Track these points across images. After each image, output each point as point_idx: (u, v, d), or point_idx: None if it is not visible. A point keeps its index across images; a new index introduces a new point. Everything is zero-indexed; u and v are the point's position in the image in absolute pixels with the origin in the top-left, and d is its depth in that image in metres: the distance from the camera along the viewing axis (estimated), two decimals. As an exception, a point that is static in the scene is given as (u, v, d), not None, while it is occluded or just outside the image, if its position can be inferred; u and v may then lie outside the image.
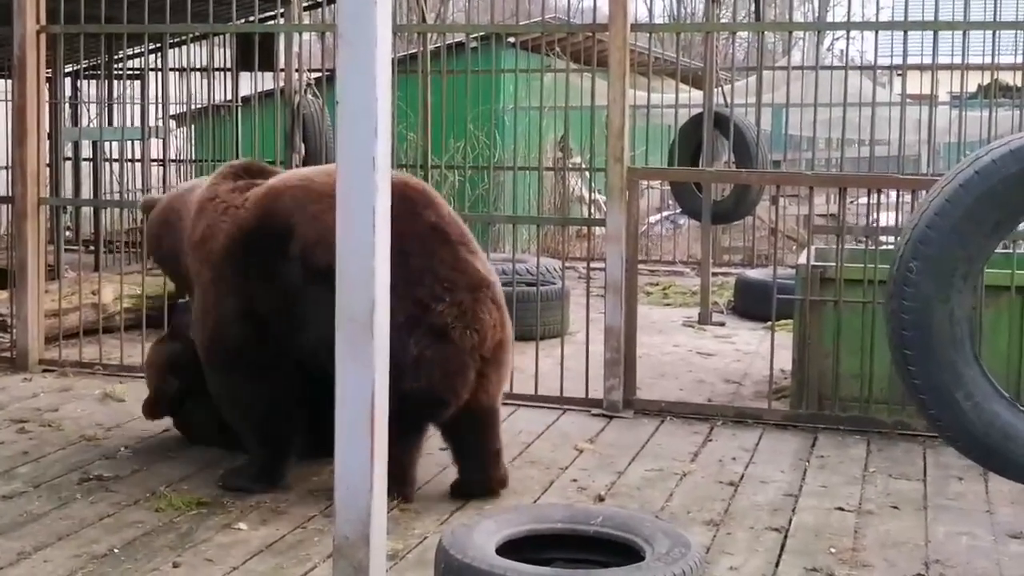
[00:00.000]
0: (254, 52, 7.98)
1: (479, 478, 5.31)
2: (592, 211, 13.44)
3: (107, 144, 12.93)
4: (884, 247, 7.18)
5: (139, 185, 12.38)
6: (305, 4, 11.91)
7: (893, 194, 9.67)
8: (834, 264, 6.71)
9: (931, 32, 7.12)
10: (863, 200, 11.10)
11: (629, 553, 3.89)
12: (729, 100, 10.65)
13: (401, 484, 5.05)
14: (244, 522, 4.99)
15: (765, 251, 13.76)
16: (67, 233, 12.62)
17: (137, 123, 11.69)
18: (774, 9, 23.22)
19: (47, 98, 9.14)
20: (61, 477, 5.57)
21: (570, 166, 14.23)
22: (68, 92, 13.21)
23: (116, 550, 4.65)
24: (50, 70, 8.90)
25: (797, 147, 16.43)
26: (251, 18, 10.22)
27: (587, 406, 6.94)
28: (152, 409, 6.09)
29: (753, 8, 11.15)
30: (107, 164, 13.36)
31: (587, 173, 14.25)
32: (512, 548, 3.90)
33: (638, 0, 27.00)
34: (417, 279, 5.00)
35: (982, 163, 4.21)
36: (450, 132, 11.85)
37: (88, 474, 5.59)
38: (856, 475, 5.81)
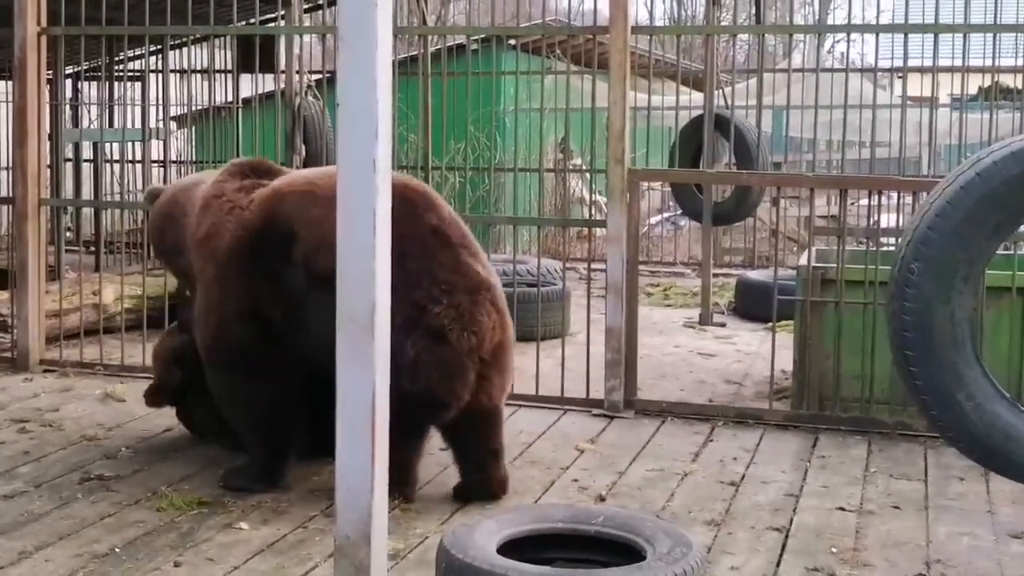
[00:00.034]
0: (255, 54, 7.99)
1: (480, 480, 5.30)
2: (593, 212, 13.45)
3: (108, 145, 12.93)
4: (885, 248, 7.19)
5: (140, 186, 12.38)
6: (306, 6, 11.92)
7: (894, 196, 9.67)
8: (835, 265, 6.71)
9: (931, 35, 7.13)
10: (864, 202, 11.11)
11: (630, 553, 3.89)
12: (730, 102, 10.65)
13: (402, 484, 5.05)
14: (245, 522, 4.99)
15: (766, 252, 13.76)
16: (68, 234, 12.62)
17: (138, 125, 11.70)
18: (775, 12, 23.23)
19: (48, 99, 9.14)
20: (62, 477, 5.57)
21: (571, 168, 14.23)
22: (69, 94, 13.22)
23: (117, 550, 4.65)
24: (51, 72, 8.91)
25: (798, 149, 16.44)
26: (252, 20, 10.24)
27: (588, 406, 6.94)
28: (153, 398, 6.09)
29: (754, 11, 11.16)
30: (108, 165, 13.36)
31: (588, 174, 14.26)
32: (513, 548, 3.90)
33: (639, 3, 27.03)
34: (415, 281, 4.99)
35: (983, 165, 4.22)
36: (451, 134, 11.87)
37: (89, 474, 5.59)
38: (857, 475, 5.81)
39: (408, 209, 5.00)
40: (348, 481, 3.31)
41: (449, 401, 5.06)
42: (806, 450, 6.25)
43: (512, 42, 13.73)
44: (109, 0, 7.74)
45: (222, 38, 10.66)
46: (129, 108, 11.77)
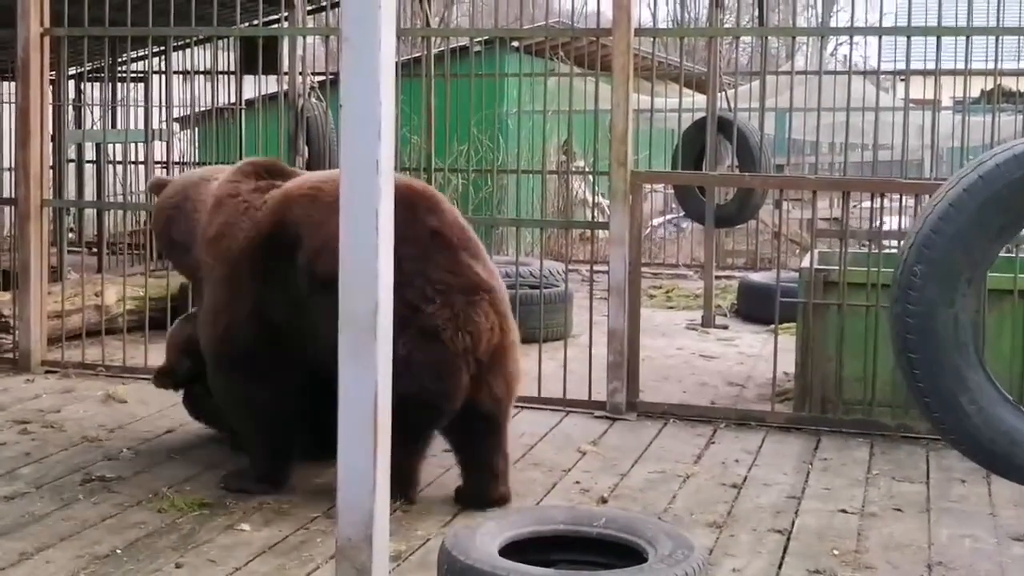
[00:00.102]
0: (258, 55, 8.00)
1: (478, 493, 5.23)
2: (595, 214, 13.45)
3: (110, 146, 12.95)
4: (887, 251, 7.18)
5: (142, 188, 12.39)
6: (309, 8, 11.91)
7: (896, 198, 9.66)
8: (837, 268, 6.71)
9: (934, 37, 7.12)
10: (866, 204, 11.10)
11: (632, 555, 3.89)
12: (732, 104, 10.65)
13: (404, 486, 5.04)
14: (247, 523, 4.99)
15: (768, 254, 13.76)
16: (70, 235, 12.63)
17: (141, 126, 11.71)
18: (777, 14, 23.21)
19: (51, 100, 9.14)
20: (63, 478, 5.57)
21: (573, 170, 14.23)
22: (72, 95, 13.24)
23: (118, 551, 4.65)
24: (54, 72, 8.91)
25: (800, 151, 16.43)
26: (255, 21, 10.25)
27: (590, 408, 6.94)
28: (162, 379, 6.08)
29: (757, 13, 11.16)
30: (110, 166, 13.37)
31: (590, 177, 14.26)
32: (515, 550, 3.91)
33: (642, 5, 26.99)
34: (408, 281, 4.93)
35: (986, 168, 4.21)
36: (454, 136, 11.87)
37: (90, 475, 5.59)
38: (859, 478, 5.81)
39: (408, 210, 4.97)
40: (350, 482, 3.31)
41: (441, 402, 5.03)
42: (808, 452, 6.24)
43: (515, 44, 13.73)
44: (112, 1, 7.74)
45: (225, 39, 10.66)
46: (132, 109, 11.79)
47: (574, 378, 7.07)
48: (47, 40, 7.89)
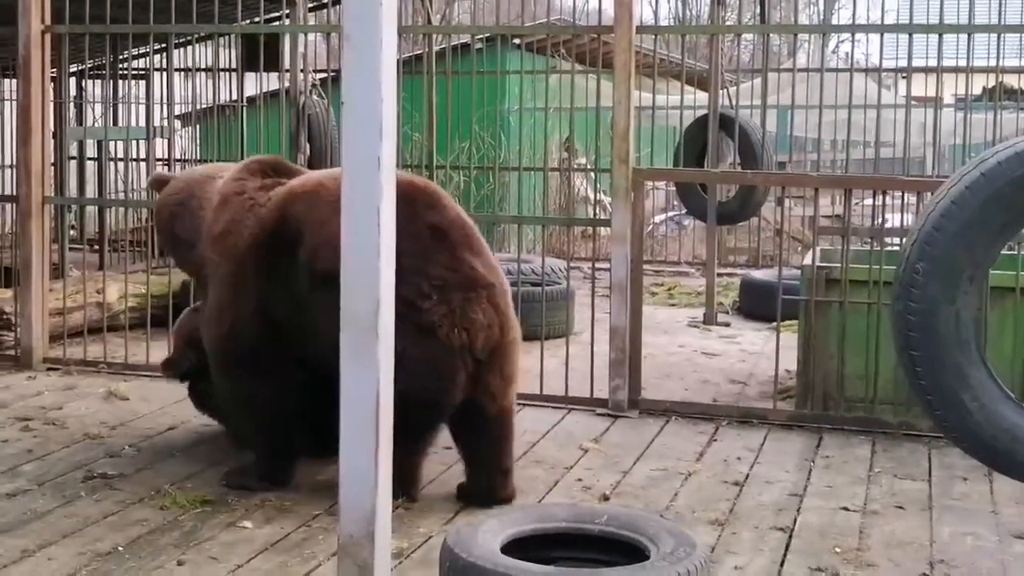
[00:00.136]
0: (259, 53, 7.99)
1: (481, 490, 5.23)
2: (597, 212, 13.45)
3: (112, 144, 12.95)
4: (889, 248, 7.18)
5: (143, 185, 12.39)
6: (310, 5, 11.90)
7: (898, 195, 9.66)
8: (839, 265, 6.71)
9: (936, 35, 7.12)
10: (868, 201, 11.10)
11: (634, 552, 3.89)
12: (734, 102, 10.65)
13: (405, 483, 5.03)
14: (249, 520, 4.99)
15: (770, 252, 13.76)
16: (72, 232, 12.62)
17: (142, 123, 11.70)
18: (779, 11, 23.22)
19: (52, 98, 9.15)
20: (65, 475, 5.57)
21: (575, 167, 14.23)
22: (73, 92, 13.23)
23: (120, 548, 4.65)
24: (55, 70, 8.91)
25: (802, 149, 16.43)
26: (256, 19, 10.25)
27: (592, 406, 6.94)
28: (168, 369, 6.04)
29: (758, 10, 11.15)
30: (112, 164, 13.37)
31: (592, 174, 14.26)
32: (517, 547, 3.90)
33: (643, 2, 26.99)
34: (405, 277, 4.90)
35: (988, 165, 4.21)
36: (455, 133, 11.86)
37: (92, 472, 5.59)
38: (861, 475, 5.81)
39: (408, 207, 4.96)
40: (352, 480, 3.31)
41: (439, 399, 5.02)
42: (810, 450, 6.24)
43: (516, 41, 13.73)
44: (113, -2, 7.74)
45: (227, 37, 10.65)
46: (133, 106, 11.78)
47: (576, 375, 7.07)
48: (48, 37, 7.89)
